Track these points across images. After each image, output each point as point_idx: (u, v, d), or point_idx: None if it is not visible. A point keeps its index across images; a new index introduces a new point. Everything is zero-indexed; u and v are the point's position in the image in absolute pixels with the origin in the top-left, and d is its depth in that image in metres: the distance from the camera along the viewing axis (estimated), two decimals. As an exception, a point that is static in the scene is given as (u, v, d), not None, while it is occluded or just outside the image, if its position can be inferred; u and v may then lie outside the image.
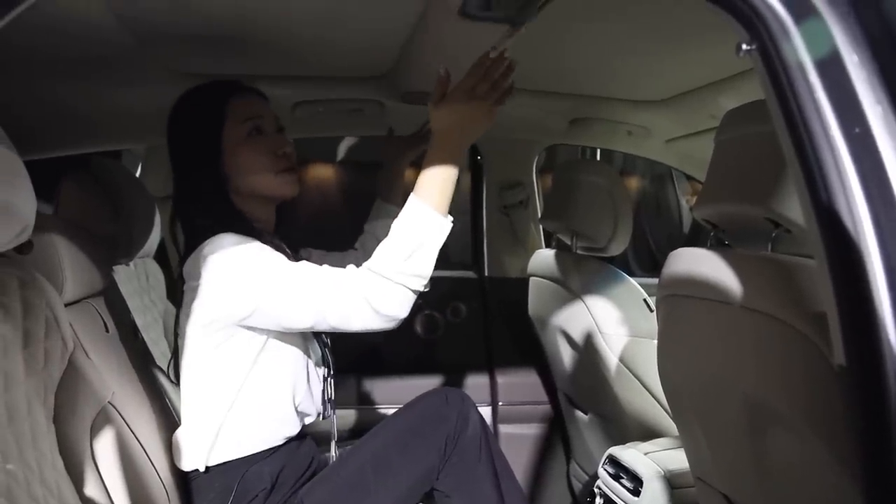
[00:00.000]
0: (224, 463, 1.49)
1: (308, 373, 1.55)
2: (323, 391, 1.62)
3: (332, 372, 1.64)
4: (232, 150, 1.50)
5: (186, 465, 1.49)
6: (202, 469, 1.48)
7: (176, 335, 1.53)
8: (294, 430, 1.55)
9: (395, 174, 1.92)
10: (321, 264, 1.40)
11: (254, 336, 1.44)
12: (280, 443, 1.53)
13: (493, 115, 1.37)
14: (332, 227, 1.77)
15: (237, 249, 1.37)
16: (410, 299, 1.34)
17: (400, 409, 1.63)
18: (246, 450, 1.49)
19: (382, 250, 1.33)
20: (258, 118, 1.53)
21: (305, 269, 1.38)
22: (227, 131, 1.50)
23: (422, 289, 1.35)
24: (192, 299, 1.41)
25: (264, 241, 1.43)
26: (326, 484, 1.52)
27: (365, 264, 1.34)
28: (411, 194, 1.35)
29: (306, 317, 1.36)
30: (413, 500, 1.54)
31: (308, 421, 1.60)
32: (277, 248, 1.45)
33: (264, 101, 1.60)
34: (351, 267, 1.37)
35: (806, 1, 0.78)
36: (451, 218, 1.35)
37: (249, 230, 1.45)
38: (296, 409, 1.53)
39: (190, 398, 1.50)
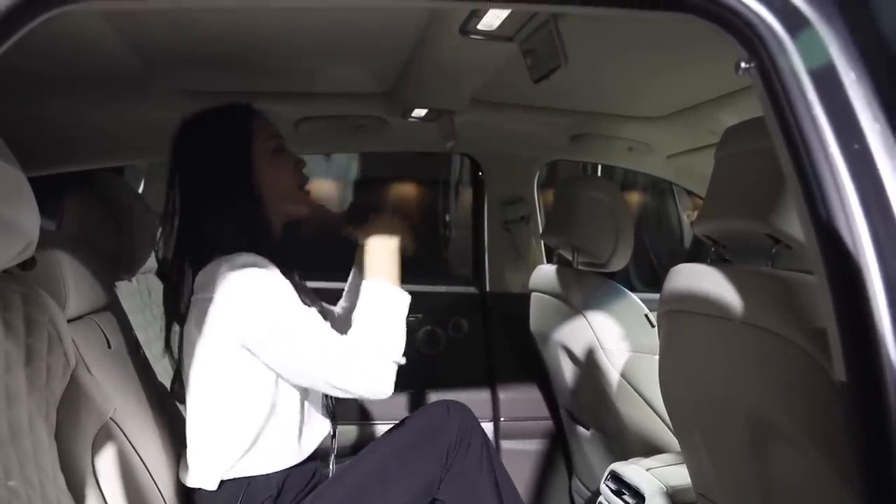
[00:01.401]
0: (230, 480, 1.49)
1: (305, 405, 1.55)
2: (325, 406, 1.63)
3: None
4: (259, 167, 1.52)
5: (192, 483, 1.49)
6: (208, 488, 1.48)
7: (180, 348, 1.52)
8: (298, 458, 1.54)
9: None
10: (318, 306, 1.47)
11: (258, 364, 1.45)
12: (284, 467, 1.52)
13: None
14: (330, 241, 1.78)
15: (262, 279, 1.39)
16: (393, 371, 1.41)
17: (402, 420, 1.64)
18: (253, 470, 1.49)
19: (361, 334, 1.40)
20: (278, 138, 1.57)
21: (325, 332, 1.40)
22: (255, 148, 1.52)
23: (397, 357, 1.41)
24: (203, 313, 1.41)
25: (277, 262, 1.45)
26: (331, 493, 1.52)
27: (349, 344, 1.40)
28: (364, 281, 1.46)
29: (312, 375, 1.41)
30: (420, 499, 1.54)
31: (310, 449, 1.59)
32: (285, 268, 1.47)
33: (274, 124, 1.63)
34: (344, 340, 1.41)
35: (801, 15, 0.79)
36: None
37: (270, 245, 1.49)
38: (299, 439, 1.54)
39: (199, 417, 1.50)
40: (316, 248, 1.78)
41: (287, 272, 1.48)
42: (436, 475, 1.53)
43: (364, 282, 1.46)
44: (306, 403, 1.54)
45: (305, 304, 1.46)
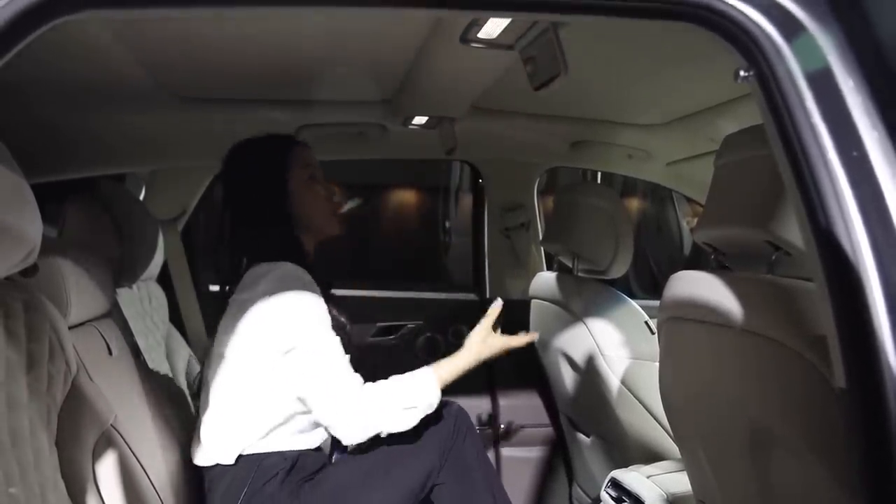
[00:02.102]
0: (247, 455, 1.59)
1: None
2: None
3: None
4: (296, 192, 1.70)
5: (209, 460, 1.60)
6: (226, 463, 1.58)
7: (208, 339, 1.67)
8: (311, 444, 1.66)
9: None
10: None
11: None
12: (298, 448, 1.63)
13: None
14: (326, 246, 1.82)
15: (302, 295, 1.55)
16: (372, 434, 1.57)
17: None
18: (270, 448, 1.60)
19: (388, 392, 1.57)
20: (314, 167, 1.75)
21: (341, 365, 1.56)
22: (291, 175, 1.70)
23: (386, 431, 1.57)
24: (242, 311, 1.56)
25: (312, 274, 1.61)
26: (338, 475, 1.62)
27: (372, 395, 1.56)
28: (433, 367, 1.64)
29: (307, 394, 1.55)
30: (420, 490, 1.64)
31: (322, 438, 1.70)
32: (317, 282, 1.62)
33: (312, 152, 1.79)
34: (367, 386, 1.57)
35: (796, 20, 0.79)
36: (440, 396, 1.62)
37: (303, 261, 1.63)
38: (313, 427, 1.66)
39: (227, 399, 1.60)
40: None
41: (320, 285, 1.61)
42: (435, 463, 1.63)
43: (428, 367, 1.64)
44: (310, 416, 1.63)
45: (337, 321, 1.63)
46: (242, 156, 1.72)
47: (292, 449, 1.61)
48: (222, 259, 1.74)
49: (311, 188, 1.72)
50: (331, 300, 1.66)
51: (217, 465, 1.59)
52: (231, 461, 1.57)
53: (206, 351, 1.73)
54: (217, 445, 1.59)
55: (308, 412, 1.59)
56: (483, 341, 1.70)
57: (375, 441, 1.64)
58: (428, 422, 1.63)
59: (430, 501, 1.66)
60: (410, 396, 1.57)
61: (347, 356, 1.58)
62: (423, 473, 1.61)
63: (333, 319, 1.60)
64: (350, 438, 1.57)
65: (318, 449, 1.68)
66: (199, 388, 1.72)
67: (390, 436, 1.63)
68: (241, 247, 1.70)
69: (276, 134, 1.76)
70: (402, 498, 1.60)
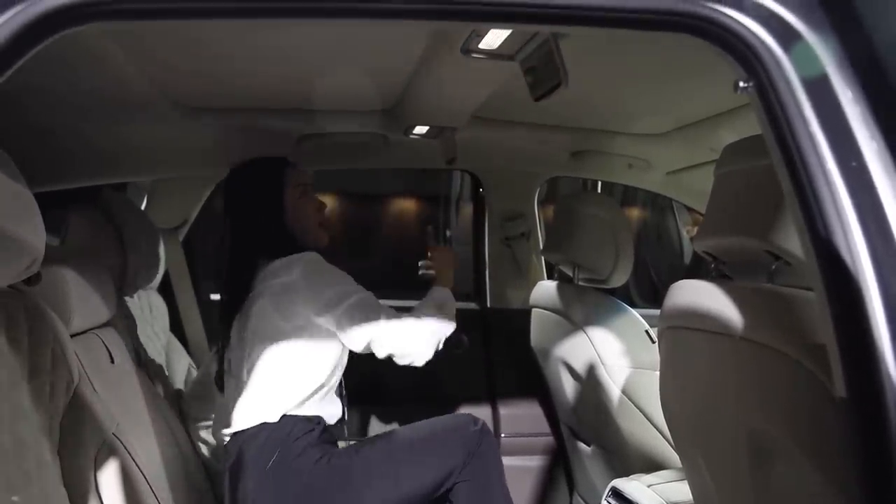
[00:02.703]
0: (286, 415, 1.78)
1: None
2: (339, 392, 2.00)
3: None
4: (290, 207, 1.93)
5: (252, 422, 1.76)
6: (271, 421, 1.76)
7: (227, 324, 1.87)
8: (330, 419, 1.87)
9: None
10: None
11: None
12: (323, 417, 1.83)
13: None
14: (328, 254, 1.87)
15: (331, 265, 1.81)
16: (436, 342, 1.83)
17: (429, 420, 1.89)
18: (303, 412, 1.79)
19: (423, 305, 1.87)
20: (306, 184, 1.98)
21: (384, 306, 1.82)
22: (287, 192, 1.93)
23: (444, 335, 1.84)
24: (279, 292, 1.76)
25: None
26: (373, 448, 1.78)
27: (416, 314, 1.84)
28: (436, 288, 1.95)
29: (372, 335, 1.76)
30: (440, 484, 1.77)
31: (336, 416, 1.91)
32: None
33: (304, 171, 2.01)
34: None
35: (793, 29, 0.80)
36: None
37: None
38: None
39: (273, 369, 1.78)
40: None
41: None
42: (459, 462, 1.76)
43: (434, 288, 1.95)
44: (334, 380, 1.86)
45: None
46: (242, 177, 1.95)
47: (321, 416, 1.80)
48: (227, 265, 1.92)
49: (302, 205, 1.95)
50: None
51: (247, 428, 1.76)
52: (276, 419, 1.75)
53: (223, 342, 1.92)
54: (263, 407, 1.76)
55: (334, 379, 1.83)
56: (442, 261, 2.01)
57: (409, 428, 1.85)
58: (457, 426, 1.81)
59: (447, 500, 1.78)
60: (436, 298, 1.89)
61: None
62: (447, 469, 1.75)
63: None
64: (423, 355, 1.80)
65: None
66: (220, 370, 1.91)
67: (423, 427, 1.84)
68: (256, 250, 1.87)
69: (271, 157, 1.98)
70: (422, 486, 1.75)
